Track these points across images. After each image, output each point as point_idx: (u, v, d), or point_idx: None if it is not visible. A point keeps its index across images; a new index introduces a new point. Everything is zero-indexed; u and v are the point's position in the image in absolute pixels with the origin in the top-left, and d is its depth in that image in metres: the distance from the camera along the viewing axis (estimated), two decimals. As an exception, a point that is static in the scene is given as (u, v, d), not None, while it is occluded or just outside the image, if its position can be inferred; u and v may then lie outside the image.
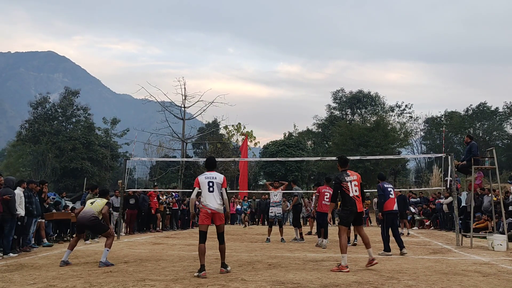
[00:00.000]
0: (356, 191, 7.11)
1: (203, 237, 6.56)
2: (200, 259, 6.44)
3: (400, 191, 17.38)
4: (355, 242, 11.50)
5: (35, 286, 5.69)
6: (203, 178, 6.72)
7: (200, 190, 6.74)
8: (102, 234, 8.46)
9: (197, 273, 6.30)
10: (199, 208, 6.77)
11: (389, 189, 9.29)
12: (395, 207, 9.25)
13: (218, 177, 6.75)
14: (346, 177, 7.15)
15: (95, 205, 8.33)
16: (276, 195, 12.54)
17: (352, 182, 7.12)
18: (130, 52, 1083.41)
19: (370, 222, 23.31)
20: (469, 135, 12.16)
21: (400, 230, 15.00)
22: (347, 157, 7.71)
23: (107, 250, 7.78)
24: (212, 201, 6.57)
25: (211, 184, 6.63)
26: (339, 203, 12.08)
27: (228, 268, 6.72)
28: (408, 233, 14.95)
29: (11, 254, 8.97)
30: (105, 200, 8.54)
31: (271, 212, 12.49)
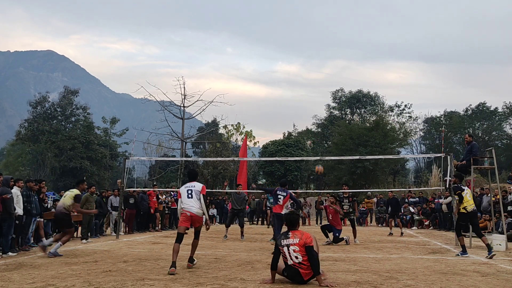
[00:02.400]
0: (297, 257, 5.68)
1: (179, 238, 6.93)
2: (172, 256, 6.73)
3: (393, 194, 17.58)
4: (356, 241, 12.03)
5: (34, 285, 5.69)
6: (183, 188, 7.30)
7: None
8: (64, 230, 8.90)
9: (169, 269, 6.57)
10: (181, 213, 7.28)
11: (279, 197, 10.07)
12: (283, 211, 9.98)
13: (197, 185, 7.26)
14: (282, 241, 5.87)
15: (66, 198, 8.96)
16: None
17: (291, 247, 5.73)
18: (128, 51, 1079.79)
19: (370, 222, 23.35)
20: (470, 134, 12.19)
21: (389, 230, 15.41)
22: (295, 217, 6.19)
23: (60, 245, 8.57)
24: (191, 205, 7.05)
25: (189, 191, 7.16)
26: (343, 211, 12.31)
27: (195, 262, 7.10)
28: (402, 233, 15.05)
29: (10, 253, 8.96)
30: (74, 193, 8.98)
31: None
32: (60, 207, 8.85)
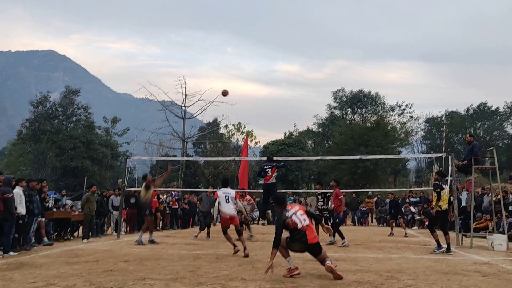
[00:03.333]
0: (305, 220, 6.32)
1: (225, 231, 9.01)
2: (230, 242, 8.89)
3: (393, 196, 17.11)
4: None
5: (35, 285, 5.70)
6: (221, 193, 9.14)
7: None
8: (146, 218, 11.76)
9: (233, 251, 8.80)
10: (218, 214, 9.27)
11: (267, 170, 11.65)
12: (271, 181, 11.75)
13: (232, 192, 9.22)
14: (286, 213, 6.40)
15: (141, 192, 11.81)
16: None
17: (297, 213, 6.36)
18: (129, 51, 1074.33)
19: (371, 221, 23.35)
20: (471, 134, 12.23)
21: (390, 230, 15.40)
22: (283, 196, 7.05)
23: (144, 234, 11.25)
24: (228, 209, 8.98)
25: (227, 198, 9.06)
26: (333, 206, 12.13)
27: (247, 251, 8.56)
28: (406, 234, 15.00)
29: (11, 253, 8.98)
30: (143, 185, 11.72)
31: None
32: (142, 200, 11.80)
